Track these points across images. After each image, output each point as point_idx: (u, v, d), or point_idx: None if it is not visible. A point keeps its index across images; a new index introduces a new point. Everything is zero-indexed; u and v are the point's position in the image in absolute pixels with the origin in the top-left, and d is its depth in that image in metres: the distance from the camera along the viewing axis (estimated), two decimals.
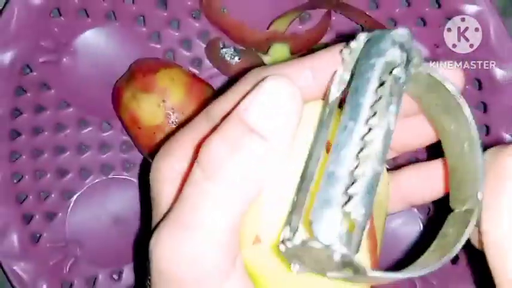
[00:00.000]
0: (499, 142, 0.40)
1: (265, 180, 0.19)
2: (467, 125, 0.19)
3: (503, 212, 0.18)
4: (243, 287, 0.20)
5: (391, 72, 0.18)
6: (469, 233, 0.19)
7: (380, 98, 0.17)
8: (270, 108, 0.18)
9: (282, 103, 0.18)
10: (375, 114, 0.17)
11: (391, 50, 0.18)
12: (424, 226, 0.43)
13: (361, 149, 0.17)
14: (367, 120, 0.17)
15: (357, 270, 0.17)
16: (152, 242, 0.20)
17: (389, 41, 0.18)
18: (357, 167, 0.17)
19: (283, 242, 0.17)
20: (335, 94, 0.19)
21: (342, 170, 0.17)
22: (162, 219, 0.20)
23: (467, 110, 0.19)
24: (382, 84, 0.17)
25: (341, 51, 0.19)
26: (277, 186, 0.20)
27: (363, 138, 0.17)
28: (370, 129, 0.17)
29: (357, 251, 0.17)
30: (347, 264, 0.17)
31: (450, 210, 0.20)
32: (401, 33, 0.18)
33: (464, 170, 0.20)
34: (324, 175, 0.17)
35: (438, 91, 0.19)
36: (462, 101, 0.19)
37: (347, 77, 0.19)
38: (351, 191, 0.16)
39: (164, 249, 0.19)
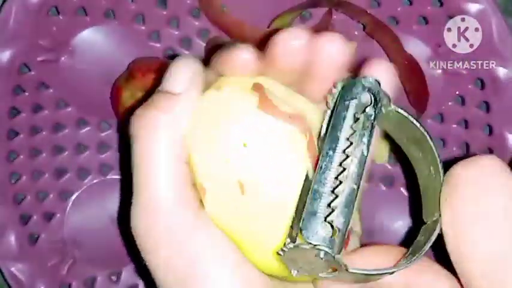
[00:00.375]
0: (502, 142, 0.39)
1: (183, 131, 0.23)
2: (432, 153, 0.23)
3: (456, 210, 0.22)
4: (210, 237, 0.23)
5: (364, 111, 0.22)
6: (434, 238, 0.23)
7: (354, 131, 0.22)
8: (177, 75, 0.24)
9: (184, 70, 0.24)
10: (351, 144, 0.22)
11: (362, 94, 0.23)
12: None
13: (342, 171, 0.21)
14: (345, 150, 0.22)
15: (340, 267, 0.21)
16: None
17: (360, 86, 0.23)
18: (338, 185, 0.21)
19: (282, 249, 0.21)
20: (323, 131, 0.24)
21: (324, 189, 0.21)
22: None
23: (430, 140, 0.23)
24: (356, 120, 0.22)
25: (326, 97, 0.24)
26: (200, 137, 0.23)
27: (341, 163, 0.21)
28: (347, 156, 0.22)
29: (340, 251, 0.21)
30: (331, 262, 0.21)
31: (424, 223, 0.24)
32: (369, 80, 0.23)
33: (431, 188, 0.24)
34: (310, 193, 0.21)
35: (406, 125, 0.24)
36: (425, 132, 0.23)
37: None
38: (333, 204, 0.21)
39: (132, 218, 0.23)
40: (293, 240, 0.21)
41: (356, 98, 0.23)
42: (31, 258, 0.40)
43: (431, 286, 0.24)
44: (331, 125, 0.23)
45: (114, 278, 0.43)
